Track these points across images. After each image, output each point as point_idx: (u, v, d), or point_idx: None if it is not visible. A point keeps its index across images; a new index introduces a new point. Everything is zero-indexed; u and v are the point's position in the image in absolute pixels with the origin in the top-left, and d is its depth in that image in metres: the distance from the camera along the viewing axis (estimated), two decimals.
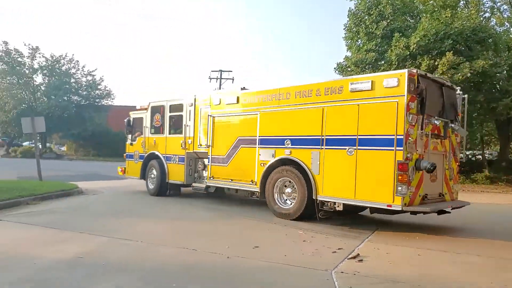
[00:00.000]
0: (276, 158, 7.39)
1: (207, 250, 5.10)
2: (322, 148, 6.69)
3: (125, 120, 11.88)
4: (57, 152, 40.40)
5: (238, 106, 8.22)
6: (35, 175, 12.44)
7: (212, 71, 33.69)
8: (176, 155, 9.92)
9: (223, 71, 33.34)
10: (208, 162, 8.80)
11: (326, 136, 6.64)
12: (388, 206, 5.88)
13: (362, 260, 4.82)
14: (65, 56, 36.70)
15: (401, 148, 5.76)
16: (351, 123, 6.30)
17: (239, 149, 8.11)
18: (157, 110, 10.69)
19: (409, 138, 5.83)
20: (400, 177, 5.73)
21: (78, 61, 37.84)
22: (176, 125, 10.12)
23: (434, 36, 15.98)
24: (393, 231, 6.69)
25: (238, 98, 8.22)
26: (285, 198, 7.42)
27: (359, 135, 6.21)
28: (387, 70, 16.71)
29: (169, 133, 10.28)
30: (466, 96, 7.36)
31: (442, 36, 15.95)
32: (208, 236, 6.03)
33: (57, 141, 50.04)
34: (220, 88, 29.60)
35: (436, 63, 15.76)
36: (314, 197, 6.75)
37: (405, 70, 5.85)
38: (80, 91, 37.68)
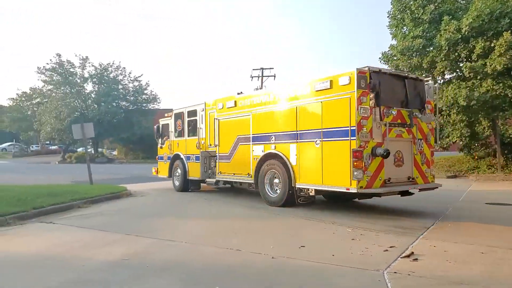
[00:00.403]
0: (265, 153, 9.91)
1: (250, 250, 5.66)
2: (297, 142, 9.02)
3: (155, 127, 15.58)
4: (109, 156, 47.99)
5: (236, 109, 10.93)
6: (88, 179, 14.85)
7: (253, 69, 37.95)
8: (193, 154, 12.93)
9: (264, 68, 37.01)
10: (217, 159, 11.57)
11: (299, 131, 8.98)
12: (347, 189, 7.96)
13: (417, 259, 5.05)
14: (112, 63, 43.46)
15: (355, 138, 7.84)
16: (317, 118, 8.55)
17: (238, 147, 10.78)
18: (178, 116, 13.95)
19: (363, 128, 7.87)
20: (355, 163, 7.80)
21: (124, 67, 44.98)
22: (193, 129, 13.18)
23: (488, 16, 16.77)
24: (450, 226, 7.26)
25: (235, 102, 10.95)
26: (275, 188, 9.85)
27: (323, 129, 8.43)
28: (436, 56, 18.06)
29: (188, 136, 13.40)
30: (437, 85, 9.07)
31: (498, 15, 16.71)
32: (249, 235, 6.85)
33: (108, 145, 58.30)
34: (262, 86, 32.74)
35: (492, 45, 16.56)
36: (293, 185, 9.09)
37: (355, 69, 7.90)
38: (127, 97, 44.18)
